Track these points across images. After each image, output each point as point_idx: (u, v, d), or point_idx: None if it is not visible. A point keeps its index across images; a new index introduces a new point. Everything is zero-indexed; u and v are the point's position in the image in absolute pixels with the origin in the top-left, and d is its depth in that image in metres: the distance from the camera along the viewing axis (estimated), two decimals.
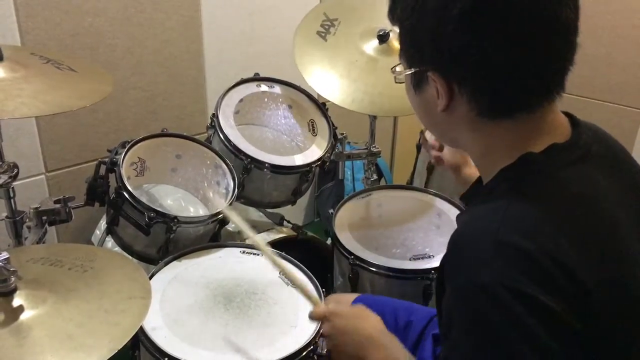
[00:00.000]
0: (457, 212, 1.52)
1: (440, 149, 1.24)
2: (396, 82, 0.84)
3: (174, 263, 1.24)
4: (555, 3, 0.69)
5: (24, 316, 0.84)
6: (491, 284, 0.64)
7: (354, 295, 1.23)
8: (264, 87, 1.59)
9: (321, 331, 1.03)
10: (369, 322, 0.95)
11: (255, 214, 1.68)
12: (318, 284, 1.18)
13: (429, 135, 1.28)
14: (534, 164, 0.73)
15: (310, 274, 1.22)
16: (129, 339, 0.82)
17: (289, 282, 1.20)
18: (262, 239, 1.53)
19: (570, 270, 0.64)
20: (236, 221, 1.15)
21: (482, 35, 0.68)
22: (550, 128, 0.75)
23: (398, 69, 0.82)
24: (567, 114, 0.79)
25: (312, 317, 1.06)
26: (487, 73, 0.70)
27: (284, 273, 1.11)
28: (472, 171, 1.21)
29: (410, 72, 0.78)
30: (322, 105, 1.61)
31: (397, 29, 0.78)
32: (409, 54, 0.78)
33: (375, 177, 1.79)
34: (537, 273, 0.64)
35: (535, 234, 0.66)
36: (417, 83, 0.78)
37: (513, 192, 0.71)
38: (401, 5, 0.75)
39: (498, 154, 0.75)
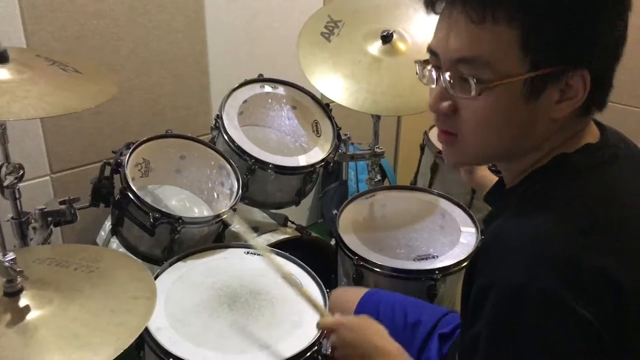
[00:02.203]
0: (461, 212, 1.52)
1: None
2: (477, 95, 0.68)
3: (179, 264, 1.24)
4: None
5: (30, 316, 0.85)
6: (526, 284, 0.62)
7: (363, 290, 1.23)
8: (267, 88, 1.59)
9: (329, 341, 1.02)
10: (376, 333, 0.94)
11: (259, 214, 1.69)
12: (322, 284, 1.19)
13: (435, 136, 1.28)
14: (568, 163, 0.71)
15: (315, 275, 1.22)
16: (134, 338, 0.83)
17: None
18: (265, 240, 1.53)
19: (609, 274, 0.62)
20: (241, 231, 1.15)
21: (619, 29, 0.68)
22: (588, 129, 0.75)
23: (483, 76, 0.67)
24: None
25: (319, 327, 1.04)
26: (612, 70, 0.70)
27: (289, 281, 1.09)
28: (484, 173, 1.21)
29: (534, 74, 0.66)
30: (325, 106, 1.61)
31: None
32: (541, 52, 0.66)
33: (379, 177, 1.79)
34: (575, 281, 0.62)
35: (572, 237, 0.64)
36: (540, 87, 0.67)
37: (549, 192, 0.70)
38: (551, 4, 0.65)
39: (534, 155, 0.73)
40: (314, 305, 1.05)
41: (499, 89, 0.67)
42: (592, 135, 0.75)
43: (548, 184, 0.71)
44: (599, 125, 0.78)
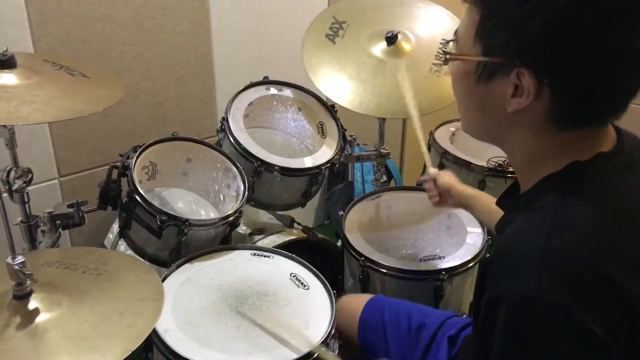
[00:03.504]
0: (467, 213, 1.51)
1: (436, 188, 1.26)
2: (442, 64, 0.77)
3: (186, 265, 1.25)
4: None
5: (39, 319, 0.85)
6: (535, 298, 0.62)
7: (368, 296, 1.24)
8: (273, 90, 1.60)
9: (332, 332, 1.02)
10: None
11: (265, 216, 1.69)
12: (329, 286, 1.19)
13: (440, 137, 1.29)
14: (581, 173, 0.70)
15: (321, 276, 1.22)
16: (142, 340, 0.83)
17: (300, 284, 1.21)
18: (271, 241, 1.54)
19: (619, 285, 0.62)
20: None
21: (602, 42, 0.64)
22: (602, 138, 0.73)
23: (451, 48, 0.74)
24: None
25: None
26: (593, 84, 0.66)
27: None
28: (463, 187, 1.22)
29: (485, 60, 0.69)
30: (331, 108, 1.61)
31: (471, 11, 0.70)
32: (493, 40, 0.68)
33: (384, 178, 1.79)
34: (584, 294, 0.61)
35: (583, 248, 0.63)
36: (488, 74, 0.70)
37: (560, 202, 0.68)
38: None
39: (546, 162, 0.72)
40: None
41: (458, 64, 0.75)
42: (608, 143, 0.73)
43: (559, 193, 0.69)
44: (617, 130, 0.76)
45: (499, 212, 0.81)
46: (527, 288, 0.63)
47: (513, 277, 0.65)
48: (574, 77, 0.66)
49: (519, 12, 0.65)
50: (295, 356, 1.01)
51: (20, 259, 0.85)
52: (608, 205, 0.68)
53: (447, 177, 1.24)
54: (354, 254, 1.38)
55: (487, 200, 1.17)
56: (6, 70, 1.06)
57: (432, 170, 1.28)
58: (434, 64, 1.46)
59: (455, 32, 0.75)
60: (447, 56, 0.75)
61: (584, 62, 0.65)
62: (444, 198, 1.25)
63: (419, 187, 1.69)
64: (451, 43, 0.75)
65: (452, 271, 1.32)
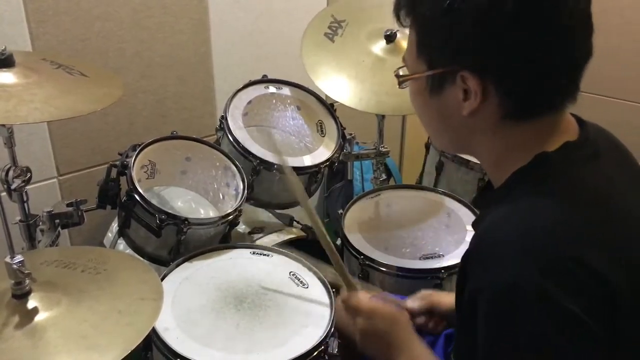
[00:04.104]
0: (467, 211, 1.52)
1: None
2: (400, 87, 0.80)
3: (185, 264, 1.25)
4: (586, 2, 0.69)
5: (38, 318, 0.85)
6: (515, 284, 0.63)
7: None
8: (272, 89, 1.60)
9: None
10: (405, 328, 0.93)
11: (264, 215, 1.69)
12: (329, 284, 1.19)
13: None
14: (549, 163, 0.72)
15: (321, 275, 1.22)
16: (142, 339, 0.83)
17: (299, 282, 1.21)
18: (270, 240, 1.54)
19: (593, 268, 0.64)
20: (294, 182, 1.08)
21: (530, 35, 0.67)
22: (564, 127, 0.75)
23: (402, 72, 0.79)
24: (571, 114, 0.79)
25: (346, 301, 1.00)
26: (529, 72, 0.69)
27: (328, 251, 1.01)
28: (447, 299, 1.08)
29: (431, 73, 0.74)
30: (330, 106, 1.61)
31: (406, 30, 0.75)
32: (433, 53, 0.73)
33: (384, 177, 1.79)
34: (561, 275, 0.63)
35: (556, 234, 0.65)
36: (438, 85, 0.74)
37: (532, 192, 0.70)
38: (430, 4, 0.71)
39: (514, 156, 0.74)
40: (348, 281, 1.02)
41: (411, 83, 0.79)
42: (572, 132, 0.75)
43: (530, 184, 0.71)
44: (579, 121, 0.78)
45: None
46: (506, 276, 0.64)
47: (492, 267, 0.67)
48: (511, 70, 0.69)
49: (447, 21, 0.69)
50: (295, 355, 1.01)
51: (19, 258, 0.85)
52: (577, 192, 0.70)
53: (445, 298, 1.09)
54: (353, 252, 1.38)
55: None
56: (4, 69, 1.06)
57: (410, 304, 1.09)
58: None
59: (403, 58, 0.80)
60: (400, 79, 0.79)
61: (516, 53, 0.68)
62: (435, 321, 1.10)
63: (418, 186, 1.69)
64: (403, 68, 0.79)
65: (451, 269, 1.32)
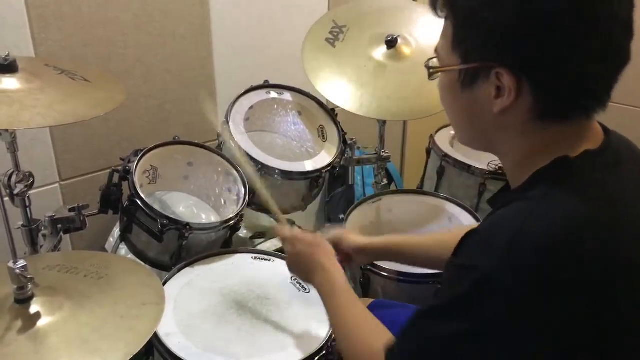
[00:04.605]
0: (468, 216, 1.52)
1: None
2: (430, 79, 0.79)
3: (187, 269, 1.25)
4: (629, 7, 0.68)
5: (41, 323, 0.86)
6: (492, 276, 0.64)
7: (367, 301, 1.23)
8: (273, 94, 1.60)
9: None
10: (324, 253, 1.02)
11: (266, 220, 1.69)
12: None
13: (441, 140, 1.23)
14: (568, 167, 0.71)
15: None
16: (144, 344, 0.84)
17: (301, 287, 1.21)
18: (272, 245, 1.54)
19: (593, 273, 0.64)
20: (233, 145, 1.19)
21: (570, 34, 0.66)
22: (588, 134, 0.74)
23: (432, 63, 0.77)
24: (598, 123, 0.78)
25: (276, 232, 1.12)
26: (566, 74, 0.68)
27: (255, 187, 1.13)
28: (353, 238, 1.15)
29: (466, 67, 0.72)
30: (331, 111, 1.62)
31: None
32: (469, 47, 0.72)
33: (385, 181, 1.79)
34: (543, 285, 0.63)
35: (553, 239, 0.65)
36: (471, 80, 0.73)
37: (545, 193, 0.70)
38: None
39: (537, 159, 0.73)
40: (276, 214, 1.13)
41: (442, 75, 0.77)
42: (595, 140, 0.75)
43: (546, 185, 0.71)
44: (605, 130, 0.77)
45: (450, 239, 0.83)
46: (487, 265, 0.65)
47: (481, 252, 0.67)
48: (549, 70, 0.68)
49: (487, 16, 0.68)
50: (296, 359, 1.01)
51: (21, 262, 0.86)
52: (589, 200, 0.69)
53: (351, 240, 1.15)
54: None
55: (421, 238, 1.16)
56: (8, 75, 1.07)
57: (333, 233, 1.15)
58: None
59: (436, 49, 0.78)
60: (430, 71, 0.78)
61: (556, 55, 0.67)
62: (355, 259, 1.16)
63: (419, 191, 1.69)
64: (434, 59, 0.78)
65: None
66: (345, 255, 1.14)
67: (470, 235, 0.72)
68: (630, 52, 0.70)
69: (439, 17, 0.75)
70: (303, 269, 1.04)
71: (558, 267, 0.63)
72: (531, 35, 0.67)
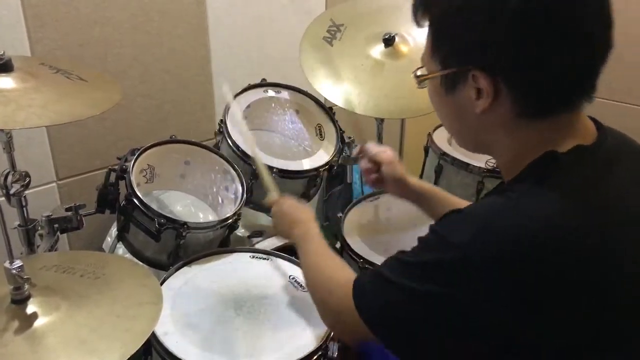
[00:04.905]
0: None
1: (377, 170, 1.24)
2: (419, 87, 0.81)
3: (185, 269, 1.25)
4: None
5: (37, 323, 0.85)
6: (460, 253, 0.67)
7: None
8: (271, 93, 1.60)
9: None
10: (303, 211, 1.13)
11: (264, 218, 1.69)
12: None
13: (439, 138, 1.27)
14: (556, 162, 0.72)
15: None
16: (141, 344, 0.83)
17: (299, 286, 1.21)
18: (270, 244, 1.54)
19: (561, 266, 0.65)
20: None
21: (539, 32, 0.67)
22: (578, 130, 0.74)
23: (420, 72, 0.80)
24: (591, 118, 0.78)
25: (269, 202, 1.20)
26: (539, 72, 0.69)
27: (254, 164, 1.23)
28: (418, 182, 1.22)
29: (445, 72, 0.75)
30: (329, 110, 1.61)
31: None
32: (445, 53, 0.75)
33: None
34: (513, 261, 0.65)
35: (523, 232, 0.66)
36: (452, 84, 0.75)
37: (528, 187, 0.71)
38: (442, 4, 0.73)
39: (527, 156, 0.74)
40: (270, 184, 1.22)
41: (428, 82, 0.80)
42: (587, 137, 0.75)
43: (532, 179, 0.72)
44: (599, 126, 0.77)
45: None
46: (457, 240, 0.68)
47: (457, 229, 0.70)
48: (523, 69, 0.69)
49: (459, 20, 0.70)
50: (294, 358, 1.01)
51: (18, 263, 0.85)
52: (576, 195, 0.69)
53: (397, 168, 1.22)
54: (352, 255, 1.38)
55: (445, 194, 1.20)
56: (3, 74, 1.06)
57: (371, 147, 1.25)
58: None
59: (422, 58, 0.81)
60: (418, 79, 0.81)
61: (524, 53, 0.68)
62: (387, 184, 1.24)
63: None
64: (422, 68, 0.81)
65: None
66: (378, 177, 1.24)
67: (454, 212, 0.74)
68: (610, 40, 0.70)
69: (421, 26, 0.78)
70: (285, 224, 1.13)
71: (515, 264, 0.65)
72: (501, 36, 0.68)
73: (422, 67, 0.81)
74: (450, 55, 0.74)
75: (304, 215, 1.11)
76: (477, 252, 0.66)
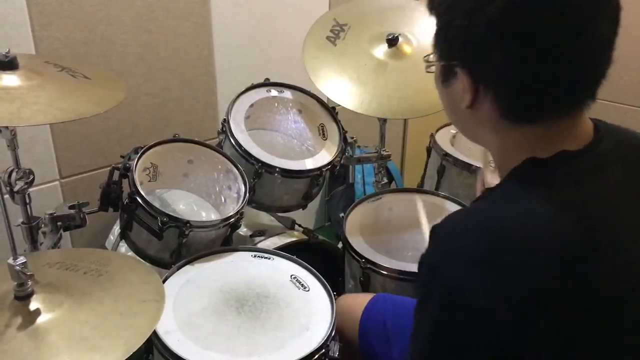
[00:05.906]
0: None
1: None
2: (427, 71, 0.84)
3: (187, 267, 1.25)
4: (589, 18, 0.66)
5: (40, 319, 0.86)
6: (434, 268, 0.69)
7: (368, 296, 1.23)
8: (274, 92, 1.60)
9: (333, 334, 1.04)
10: None
11: (266, 218, 1.69)
12: (330, 287, 1.19)
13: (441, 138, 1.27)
14: (534, 170, 0.71)
15: (322, 278, 1.22)
16: (143, 341, 0.84)
17: (300, 286, 1.21)
18: (272, 243, 1.54)
19: (526, 277, 0.64)
20: None
21: (509, 41, 0.67)
22: (570, 135, 0.72)
23: (431, 58, 0.82)
24: (594, 120, 0.76)
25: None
26: (510, 78, 0.69)
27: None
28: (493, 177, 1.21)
29: (440, 64, 0.79)
30: (332, 110, 1.62)
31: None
32: (440, 47, 0.77)
33: (385, 180, 1.79)
34: (485, 276, 0.65)
35: (487, 246, 0.66)
36: (446, 76, 0.78)
37: (506, 194, 0.71)
38: (438, 0, 0.75)
39: (513, 157, 0.74)
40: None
41: (434, 68, 0.82)
42: (578, 141, 0.72)
43: (512, 186, 0.72)
44: (597, 130, 0.75)
45: None
46: (430, 259, 0.70)
47: (430, 245, 0.72)
48: (500, 72, 0.70)
49: (447, 18, 0.73)
50: (296, 358, 1.01)
51: (21, 259, 0.86)
52: (544, 208, 0.67)
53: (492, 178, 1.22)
54: (354, 255, 1.38)
55: None
56: (8, 72, 1.06)
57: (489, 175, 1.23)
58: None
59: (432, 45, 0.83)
60: (426, 64, 0.84)
61: (506, 56, 0.68)
62: None
63: (420, 189, 1.69)
64: (431, 55, 0.82)
65: None
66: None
67: (432, 230, 0.75)
68: (609, 60, 0.69)
69: (431, 15, 0.80)
70: None
71: (470, 279, 0.65)
72: (479, 38, 0.69)
73: (432, 54, 0.82)
74: (444, 49, 0.76)
75: None
76: (448, 269, 0.67)
